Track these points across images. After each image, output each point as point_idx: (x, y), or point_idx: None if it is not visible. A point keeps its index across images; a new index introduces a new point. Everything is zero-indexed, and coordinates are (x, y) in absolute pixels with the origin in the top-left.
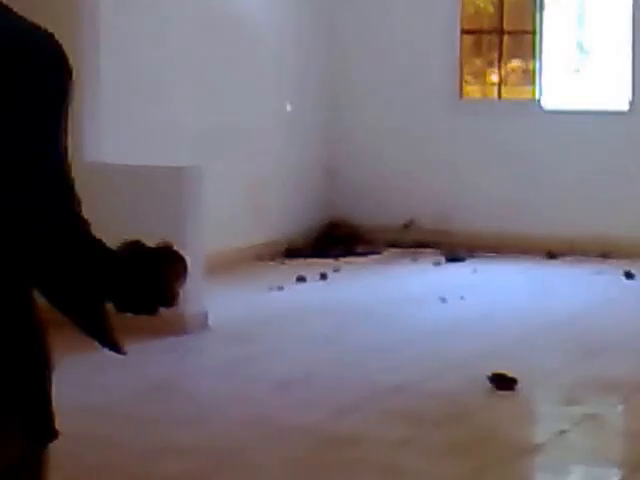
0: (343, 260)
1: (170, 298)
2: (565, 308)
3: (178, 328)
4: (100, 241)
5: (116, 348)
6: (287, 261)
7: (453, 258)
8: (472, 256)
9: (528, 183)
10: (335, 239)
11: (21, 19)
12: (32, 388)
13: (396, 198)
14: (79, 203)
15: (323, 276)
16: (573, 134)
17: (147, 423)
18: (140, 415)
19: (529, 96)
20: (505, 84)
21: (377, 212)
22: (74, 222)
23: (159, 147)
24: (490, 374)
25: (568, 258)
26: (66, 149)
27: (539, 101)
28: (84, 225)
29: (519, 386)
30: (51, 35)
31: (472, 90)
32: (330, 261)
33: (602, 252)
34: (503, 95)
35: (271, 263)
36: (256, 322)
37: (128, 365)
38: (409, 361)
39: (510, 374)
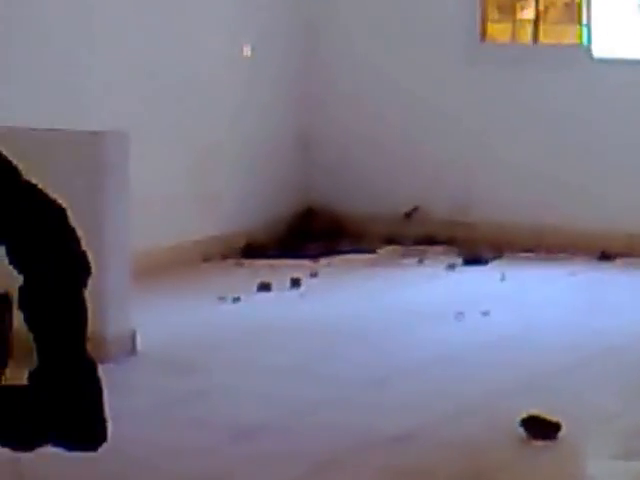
0: (323, 261)
1: None
2: (623, 328)
3: (96, 354)
4: None
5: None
6: (246, 262)
7: (473, 259)
8: (498, 257)
9: (574, 158)
10: (312, 233)
11: None
12: None
13: (395, 178)
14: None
15: (295, 283)
16: (634, 92)
17: None
18: (48, 474)
19: (575, 40)
20: (543, 22)
21: (369, 197)
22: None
23: (71, 106)
24: (523, 417)
25: (628, 260)
26: None
27: (588, 47)
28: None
29: (562, 434)
30: None
31: (498, 30)
32: (305, 262)
33: None
34: (540, 38)
35: (223, 265)
36: (203, 346)
37: None
38: (414, 400)
39: (550, 417)
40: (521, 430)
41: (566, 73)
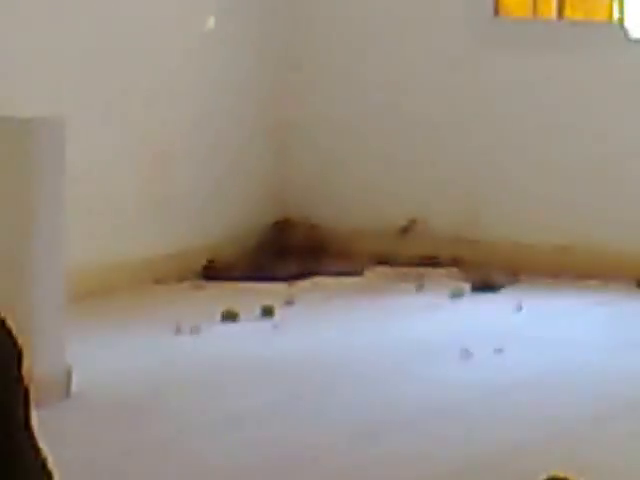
0: (300, 285)
1: None
2: None
3: None
4: None
5: None
6: (207, 285)
7: (483, 286)
8: (514, 282)
9: (607, 162)
10: (287, 250)
11: None
12: None
13: (389, 185)
14: None
15: (267, 312)
16: None
17: None
18: None
19: (607, 16)
20: None
21: (357, 207)
22: None
23: None
24: (544, 479)
25: None
26: None
27: (623, 25)
28: None
29: None
30: None
31: (515, 3)
32: (279, 287)
33: None
34: (566, 13)
35: (180, 288)
36: (153, 388)
37: None
38: (408, 456)
39: (577, 479)
40: None
41: (598, 56)
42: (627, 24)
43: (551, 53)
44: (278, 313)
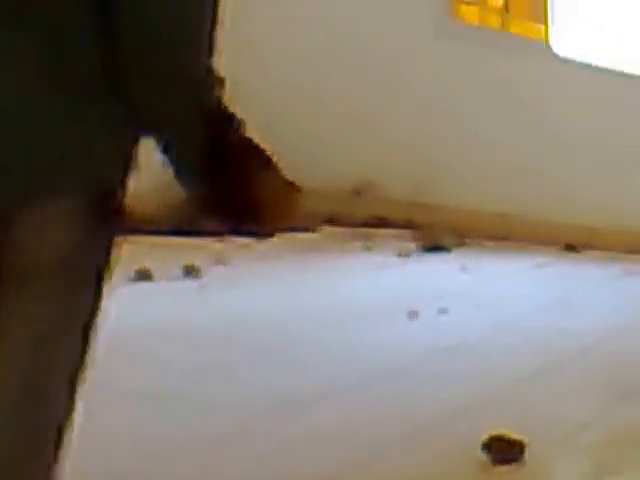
0: (233, 243)
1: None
2: (595, 327)
3: None
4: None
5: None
6: (121, 240)
7: (431, 247)
8: (460, 245)
9: (542, 145)
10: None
11: None
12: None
13: (342, 146)
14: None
15: (191, 271)
16: (598, 90)
17: None
18: None
19: (539, 35)
20: (508, 11)
21: (307, 166)
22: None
23: None
24: (485, 438)
25: (594, 252)
26: None
27: (549, 44)
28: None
29: (528, 454)
30: None
31: (469, 12)
32: (207, 243)
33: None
34: (510, 27)
35: None
36: None
37: None
38: (354, 420)
39: (514, 436)
40: (483, 453)
41: (531, 66)
42: (552, 42)
43: (497, 56)
44: (206, 274)
